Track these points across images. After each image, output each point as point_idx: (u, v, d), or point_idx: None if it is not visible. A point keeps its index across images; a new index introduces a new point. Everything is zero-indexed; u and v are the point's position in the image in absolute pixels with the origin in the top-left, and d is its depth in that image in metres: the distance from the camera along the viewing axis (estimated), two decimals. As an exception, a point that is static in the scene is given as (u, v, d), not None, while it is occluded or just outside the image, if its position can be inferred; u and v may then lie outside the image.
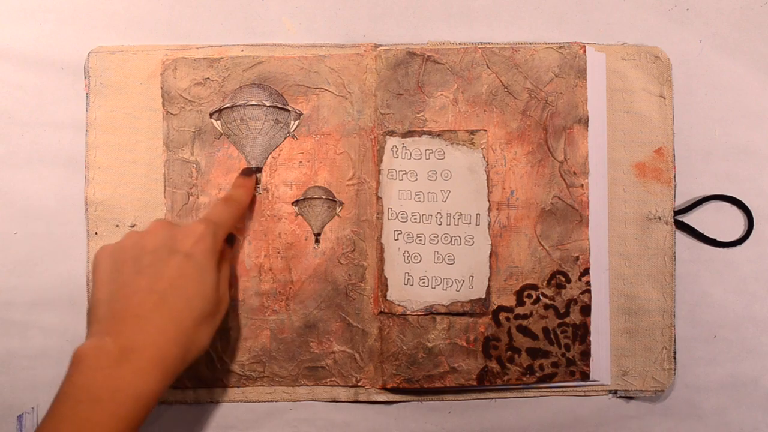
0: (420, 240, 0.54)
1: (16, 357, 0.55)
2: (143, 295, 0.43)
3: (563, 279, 0.54)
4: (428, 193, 0.54)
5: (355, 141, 0.54)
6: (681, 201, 0.56)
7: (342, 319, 0.54)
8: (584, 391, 0.55)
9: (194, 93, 0.54)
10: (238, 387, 0.54)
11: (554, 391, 0.55)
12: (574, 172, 0.54)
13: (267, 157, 0.54)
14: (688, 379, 0.56)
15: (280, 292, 0.54)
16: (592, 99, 0.54)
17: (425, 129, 0.54)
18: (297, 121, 0.55)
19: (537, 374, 0.54)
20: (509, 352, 0.54)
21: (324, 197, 0.54)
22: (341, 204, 0.54)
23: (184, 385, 0.54)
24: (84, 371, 0.40)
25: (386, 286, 0.53)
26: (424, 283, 0.53)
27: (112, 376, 0.40)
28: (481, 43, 0.55)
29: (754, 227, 0.56)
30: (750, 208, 0.56)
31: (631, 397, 0.56)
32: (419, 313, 0.53)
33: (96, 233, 0.54)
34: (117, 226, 0.54)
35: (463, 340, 0.53)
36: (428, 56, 0.54)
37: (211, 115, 0.54)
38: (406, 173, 0.54)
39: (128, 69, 0.55)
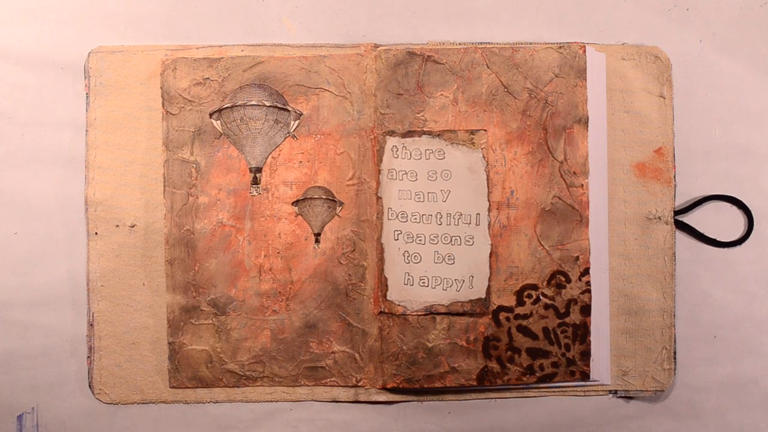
0: (420, 240, 0.53)
1: (16, 357, 0.55)
2: None
3: (563, 279, 0.54)
4: (428, 193, 0.54)
5: (355, 141, 0.54)
6: (681, 201, 0.56)
7: (342, 319, 0.54)
8: (584, 391, 0.55)
9: (194, 93, 0.54)
10: (238, 387, 0.54)
11: (554, 391, 0.55)
12: (574, 172, 0.54)
13: (267, 157, 0.54)
14: (688, 379, 0.56)
15: (280, 292, 0.54)
16: (592, 99, 0.54)
17: (425, 129, 0.54)
18: (297, 121, 0.54)
19: (537, 374, 0.54)
20: (509, 352, 0.54)
21: (324, 197, 0.54)
22: (341, 204, 0.54)
23: (184, 385, 0.54)
24: None
25: (386, 286, 0.53)
26: (424, 283, 0.53)
27: None
28: (481, 43, 0.55)
29: (754, 227, 0.56)
30: (750, 208, 0.56)
31: (631, 397, 0.56)
32: (419, 313, 0.53)
33: (96, 233, 0.54)
34: (117, 226, 0.54)
35: (463, 340, 0.53)
36: (428, 56, 0.54)
37: (211, 115, 0.54)
38: (406, 173, 0.54)
39: (128, 69, 0.55)
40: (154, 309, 0.54)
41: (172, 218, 0.54)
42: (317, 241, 0.54)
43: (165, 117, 0.54)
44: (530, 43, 0.55)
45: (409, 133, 0.54)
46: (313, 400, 0.55)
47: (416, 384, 0.53)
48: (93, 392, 0.54)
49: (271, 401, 0.55)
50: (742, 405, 0.56)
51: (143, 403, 0.55)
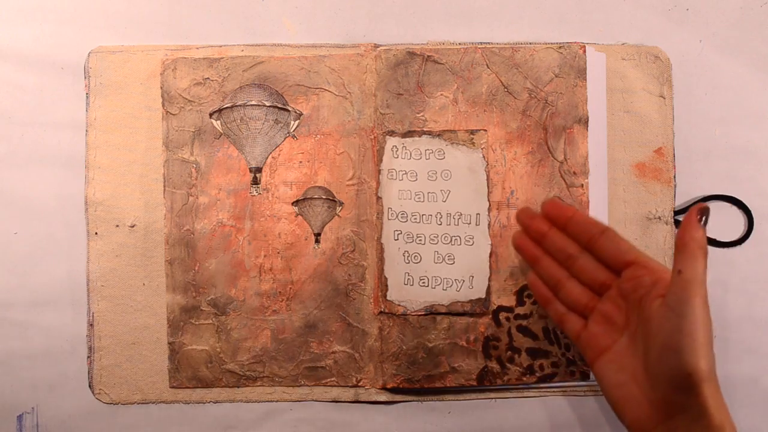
0: (420, 240, 0.53)
1: (16, 357, 0.55)
2: None
3: (563, 279, 0.54)
4: (428, 193, 0.54)
5: (355, 141, 0.54)
6: (681, 201, 0.56)
7: (342, 319, 0.54)
8: (584, 391, 0.55)
9: (194, 93, 0.54)
10: (238, 387, 0.54)
11: (554, 391, 0.55)
12: (574, 172, 0.54)
13: (267, 157, 0.54)
14: (688, 379, 0.56)
15: (280, 292, 0.54)
16: (592, 99, 0.54)
17: (425, 129, 0.54)
18: (297, 121, 0.55)
19: (537, 374, 0.54)
20: (509, 352, 0.54)
21: (324, 197, 0.54)
22: (341, 204, 0.54)
23: (184, 385, 0.54)
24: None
25: (386, 286, 0.53)
26: (424, 283, 0.53)
27: None
28: (481, 43, 0.55)
29: (754, 227, 0.56)
30: (750, 208, 0.56)
31: (631, 397, 0.55)
32: (419, 313, 0.53)
33: (96, 233, 0.54)
34: (117, 226, 0.54)
35: (463, 340, 0.53)
36: (428, 56, 0.54)
37: (211, 115, 0.54)
38: (406, 173, 0.54)
39: (128, 69, 0.55)
40: (154, 309, 0.54)
41: (172, 218, 0.54)
42: (317, 241, 0.54)
43: (165, 117, 0.54)
44: (530, 43, 0.55)
45: (409, 133, 0.54)
46: (313, 400, 0.55)
47: (416, 384, 0.53)
48: (93, 392, 0.54)
49: (271, 401, 0.55)
50: (742, 405, 0.56)
51: (143, 403, 0.55)
